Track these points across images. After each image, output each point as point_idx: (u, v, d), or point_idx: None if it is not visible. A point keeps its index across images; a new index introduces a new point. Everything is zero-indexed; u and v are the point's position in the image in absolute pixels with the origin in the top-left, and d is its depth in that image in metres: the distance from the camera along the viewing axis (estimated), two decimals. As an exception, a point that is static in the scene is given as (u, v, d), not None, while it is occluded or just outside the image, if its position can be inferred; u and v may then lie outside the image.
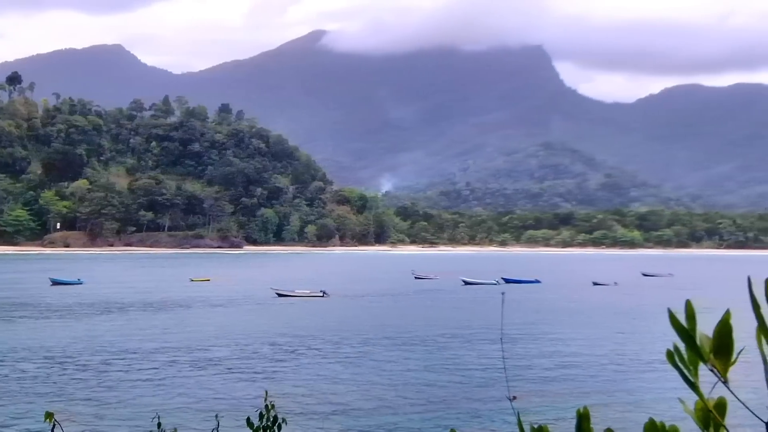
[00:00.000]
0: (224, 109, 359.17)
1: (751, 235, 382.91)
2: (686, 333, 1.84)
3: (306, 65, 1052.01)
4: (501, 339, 45.41)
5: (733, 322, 1.81)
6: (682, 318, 1.81)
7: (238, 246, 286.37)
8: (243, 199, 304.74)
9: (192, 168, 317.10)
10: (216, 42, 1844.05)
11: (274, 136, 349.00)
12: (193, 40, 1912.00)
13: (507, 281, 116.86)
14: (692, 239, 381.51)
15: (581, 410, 2.23)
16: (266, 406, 7.64)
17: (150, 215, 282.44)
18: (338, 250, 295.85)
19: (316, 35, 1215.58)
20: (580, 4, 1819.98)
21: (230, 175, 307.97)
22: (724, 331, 1.81)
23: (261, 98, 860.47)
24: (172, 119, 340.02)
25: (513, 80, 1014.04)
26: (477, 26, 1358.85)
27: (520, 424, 2.31)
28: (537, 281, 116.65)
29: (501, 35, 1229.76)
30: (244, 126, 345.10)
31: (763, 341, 1.76)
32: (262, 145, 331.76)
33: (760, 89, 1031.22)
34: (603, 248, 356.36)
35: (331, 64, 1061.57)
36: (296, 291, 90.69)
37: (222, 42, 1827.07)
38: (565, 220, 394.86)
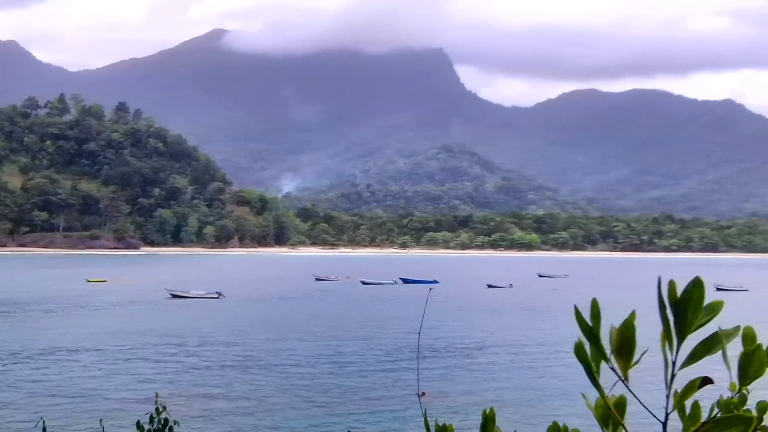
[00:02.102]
0: (121, 107, 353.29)
1: (645, 238, 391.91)
2: (590, 331, 1.85)
3: (206, 64, 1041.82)
4: (419, 334, 45.60)
5: (619, 320, 1.81)
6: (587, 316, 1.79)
7: (135, 247, 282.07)
8: (140, 199, 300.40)
9: (88, 167, 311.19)
10: (114, 40, 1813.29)
11: (172, 135, 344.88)
12: (90, 38, 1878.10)
13: (405, 281, 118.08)
14: (588, 242, 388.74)
15: (487, 411, 2.22)
16: (157, 408, 7.53)
17: (44, 215, 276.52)
18: (237, 252, 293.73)
19: (217, 34, 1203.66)
20: (481, 9, 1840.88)
21: (127, 175, 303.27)
22: (626, 332, 1.83)
23: (159, 97, 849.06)
24: (68, 118, 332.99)
25: (414, 83, 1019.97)
26: (379, 28, 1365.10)
27: (426, 421, 2.31)
28: (435, 282, 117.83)
29: (403, 38, 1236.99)
30: (142, 125, 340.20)
31: (666, 342, 1.78)
32: (160, 145, 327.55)
33: (655, 95, 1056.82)
34: (501, 250, 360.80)
35: (231, 64, 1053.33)
36: (191, 292, 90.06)
37: (120, 40, 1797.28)
38: (464, 222, 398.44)
